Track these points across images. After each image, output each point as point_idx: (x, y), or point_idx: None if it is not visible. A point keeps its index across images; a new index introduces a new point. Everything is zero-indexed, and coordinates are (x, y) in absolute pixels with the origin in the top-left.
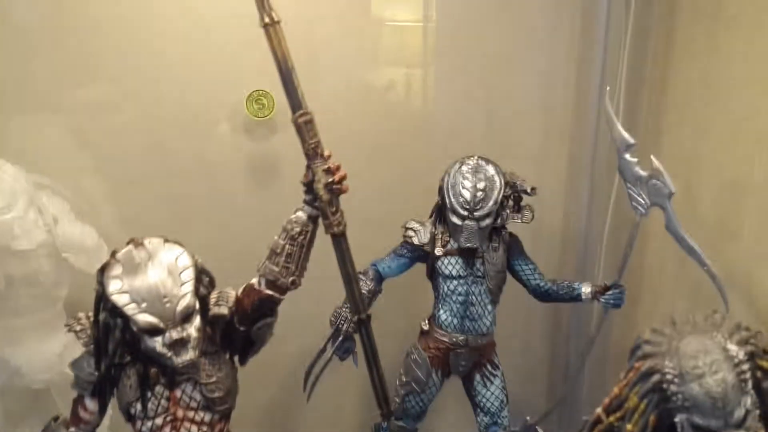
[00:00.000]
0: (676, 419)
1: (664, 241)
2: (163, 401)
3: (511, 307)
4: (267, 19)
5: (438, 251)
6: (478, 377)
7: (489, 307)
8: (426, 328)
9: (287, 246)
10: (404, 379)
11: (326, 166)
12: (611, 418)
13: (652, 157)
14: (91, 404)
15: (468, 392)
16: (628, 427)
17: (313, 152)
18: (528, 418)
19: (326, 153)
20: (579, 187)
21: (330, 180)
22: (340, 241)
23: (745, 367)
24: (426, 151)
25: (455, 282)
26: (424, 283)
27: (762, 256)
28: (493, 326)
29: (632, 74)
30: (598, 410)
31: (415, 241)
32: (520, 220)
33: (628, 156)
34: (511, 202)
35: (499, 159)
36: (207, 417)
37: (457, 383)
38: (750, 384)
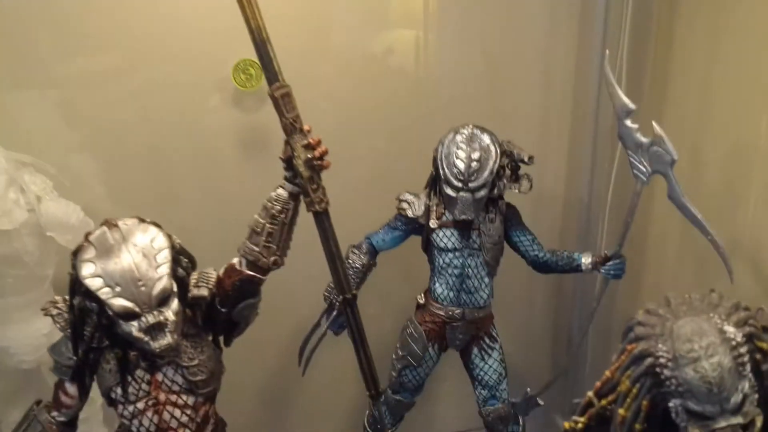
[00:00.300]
0: (670, 404)
1: (669, 209)
2: (144, 385)
3: (512, 277)
4: None
5: (433, 223)
6: (475, 350)
7: (486, 279)
8: (422, 301)
9: (268, 225)
10: (401, 353)
11: (306, 141)
12: (603, 402)
13: (653, 123)
14: (71, 389)
15: (466, 366)
16: (621, 411)
17: (291, 127)
18: (528, 389)
19: (306, 127)
20: (581, 154)
21: (310, 156)
22: (322, 218)
23: (743, 349)
24: (422, 117)
25: (451, 255)
26: (422, 256)
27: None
28: (491, 299)
29: (635, 38)
30: (590, 393)
31: (410, 213)
32: (517, 190)
33: (628, 122)
34: (508, 172)
35: (500, 126)
36: (190, 400)
37: (455, 356)
38: (748, 367)
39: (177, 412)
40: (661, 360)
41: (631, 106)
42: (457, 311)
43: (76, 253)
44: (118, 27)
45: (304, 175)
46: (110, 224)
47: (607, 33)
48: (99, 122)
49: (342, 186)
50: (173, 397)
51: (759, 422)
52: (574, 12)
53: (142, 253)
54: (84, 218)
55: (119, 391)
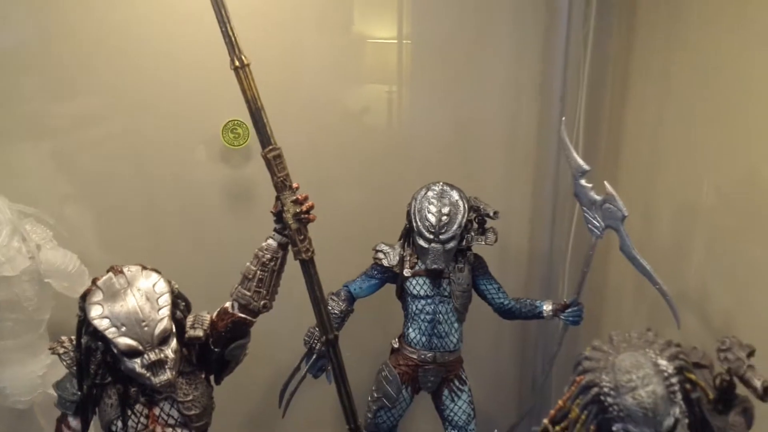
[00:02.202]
0: (614, 428)
1: (625, 261)
2: (142, 419)
3: (480, 325)
4: (237, 63)
5: (407, 272)
6: (446, 392)
7: (456, 325)
8: (396, 345)
9: (258, 272)
10: (375, 395)
11: (294, 197)
12: (557, 428)
13: (605, 182)
14: (74, 422)
15: (437, 407)
16: None
17: (281, 184)
18: (496, 430)
19: (294, 185)
20: (542, 210)
21: (298, 210)
22: (308, 266)
23: (674, 380)
24: (397, 174)
25: (423, 301)
26: (396, 303)
27: (712, 274)
28: (460, 343)
29: (591, 106)
30: (545, 421)
31: (385, 263)
32: (483, 242)
33: (583, 181)
34: (475, 225)
35: (468, 184)
36: None
37: (426, 399)
38: (679, 395)
39: None
40: (605, 389)
41: (585, 167)
42: (429, 355)
43: (85, 296)
44: (115, 86)
45: (293, 227)
46: (116, 270)
47: (566, 102)
48: (95, 176)
49: (323, 236)
50: (169, 430)
51: None
52: (536, 82)
53: (146, 296)
54: (80, 266)
55: (119, 424)
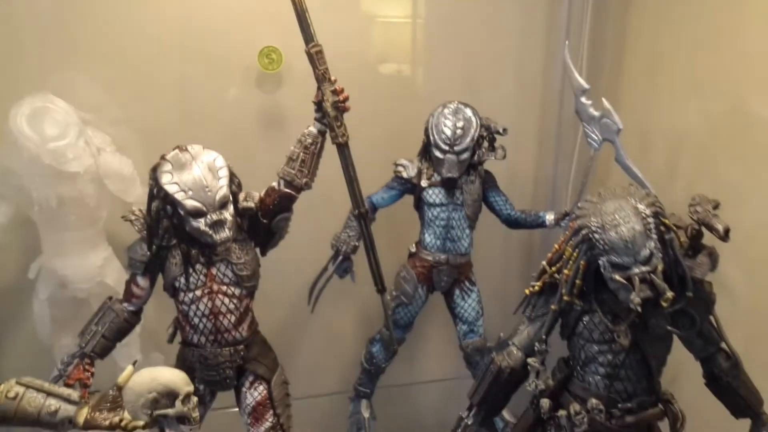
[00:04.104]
0: (600, 261)
1: (621, 177)
2: (201, 277)
3: (489, 233)
4: None
5: (424, 183)
6: (457, 292)
7: (467, 230)
8: (413, 250)
9: (301, 154)
10: (395, 294)
11: (333, 88)
12: (552, 269)
13: (603, 99)
14: (142, 281)
15: (449, 305)
16: (565, 271)
17: (322, 77)
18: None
19: (332, 78)
20: (549, 132)
21: (336, 99)
22: (343, 149)
23: (650, 220)
24: (414, 113)
25: (438, 209)
26: (411, 220)
27: (697, 191)
28: (471, 248)
29: (594, 36)
30: (543, 263)
31: (404, 174)
32: (494, 157)
33: (583, 99)
34: (486, 143)
35: (480, 108)
36: (237, 291)
37: (440, 306)
38: (654, 232)
39: (226, 300)
40: (593, 227)
41: (585, 85)
42: (443, 257)
43: (155, 168)
44: (165, 21)
45: (331, 114)
46: (181, 148)
47: (570, 28)
48: (144, 96)
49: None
50: (224, 288)
51: (660, 268)
52: (544, 12)
53: (208, 167)
54: (133, 172)
55: (183, 280)
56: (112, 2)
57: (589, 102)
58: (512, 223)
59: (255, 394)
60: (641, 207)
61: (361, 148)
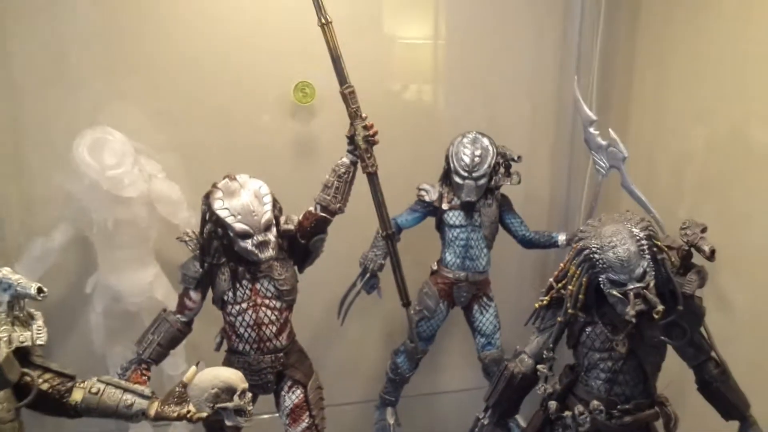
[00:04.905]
0: (600, 278)
1: (627, 201)
2: (247, 291)
3: (506, 253)
4: (323, 20)
5: (445, 206)
6: (476, 307)
7: (485, 250)
8: (435, 268)
9: (335, 182)
10: (417, 308)
11: (364, 123)
12: (558, 285)
13: (609, 129)
14: (194, 295)
15: (468, 319)
16: (570, 287)
17: (354, 114)
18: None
19: (364, 115)
20: (561, 157)
21: (367, 133)
22: (373, 177)
23: (644, 242)
24: (434, 139)
25: (458, 230)
26: (432, 242)
27: (699, 212)
28: (488, 266)
29: (603, 70)
30: (551, 280)
31: (427, 198)
32: (509, 183)
33: (591, 129)
34: (502, 169)
35: (496, 137)
36: (278, 304)
37: (460, 320)
38: (647, 253)
39: (269, 312)
40: (593, 248)
41: (593, 117)
42: (462, 274)
43: (208, 195)
44: (205, 55)
45: (362, 147)
46: (230, 177)
47: (581, 60)
48: (187, 126)
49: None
50: (267, 301)
51: (653, 284)
52: (557, 45)
53: (254, 194)
54: (180, 196)
55: (230, 294)
56: (161, 39)
57: (597, 132)
58: (527, 243)
59: (293, 397)
60: (636, 230)
61: (385, 172)
